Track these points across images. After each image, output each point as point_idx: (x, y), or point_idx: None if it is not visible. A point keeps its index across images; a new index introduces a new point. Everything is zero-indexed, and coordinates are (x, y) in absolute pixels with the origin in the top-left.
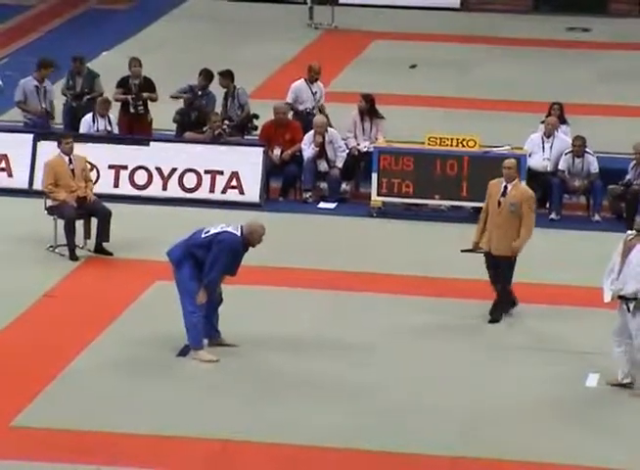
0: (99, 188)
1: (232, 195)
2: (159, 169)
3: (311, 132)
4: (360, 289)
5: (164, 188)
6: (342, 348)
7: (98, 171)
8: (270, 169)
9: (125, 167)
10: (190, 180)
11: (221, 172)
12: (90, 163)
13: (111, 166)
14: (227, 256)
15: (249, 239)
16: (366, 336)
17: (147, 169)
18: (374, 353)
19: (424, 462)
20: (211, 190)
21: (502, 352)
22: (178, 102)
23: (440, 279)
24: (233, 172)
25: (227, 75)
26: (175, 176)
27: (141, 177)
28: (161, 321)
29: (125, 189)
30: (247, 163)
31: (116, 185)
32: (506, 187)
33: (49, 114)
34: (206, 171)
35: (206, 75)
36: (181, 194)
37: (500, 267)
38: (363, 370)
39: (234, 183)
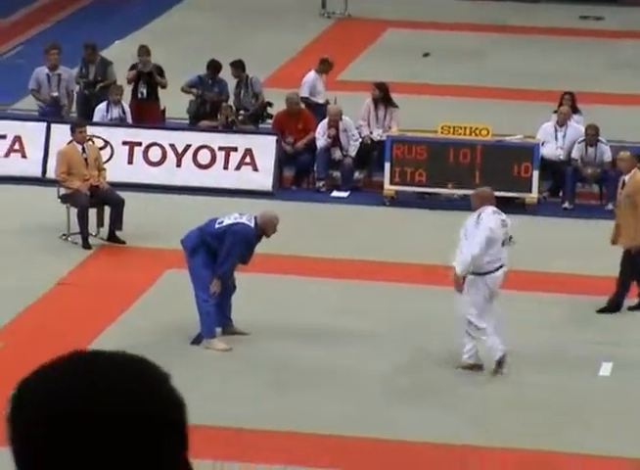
0: (113, 164)
1: (246, 171)
2: (172, 146)
3: (325, 121)
4: (372, 278)
5: (178, 164)
6: (354, 336)
7: (112, 148)
8: (283, 159)
9: (139, 144)
10: (204, 157)
11: (235, 149)
12: (104, 139)
13: (125, 143)
14: (241, 247)
15: (263, 229)
16: (379, 325)
17: (161, 146)
18: (385, 342)
19: (435, 451)
20: (225, 166)
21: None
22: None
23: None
24: (247, 149)
25: (238, 65)
26: (189, 153)
27: (155, 154)
28: (174, 310)
29: (139, 165)
30: (260, 152)
31: (130, 161)
32: (624, 180)
33: (57, 102)
34: (220, 148)
35: (214, 67)
36: (195, 170)
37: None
38: (375, 359)
39: (248, 160)
